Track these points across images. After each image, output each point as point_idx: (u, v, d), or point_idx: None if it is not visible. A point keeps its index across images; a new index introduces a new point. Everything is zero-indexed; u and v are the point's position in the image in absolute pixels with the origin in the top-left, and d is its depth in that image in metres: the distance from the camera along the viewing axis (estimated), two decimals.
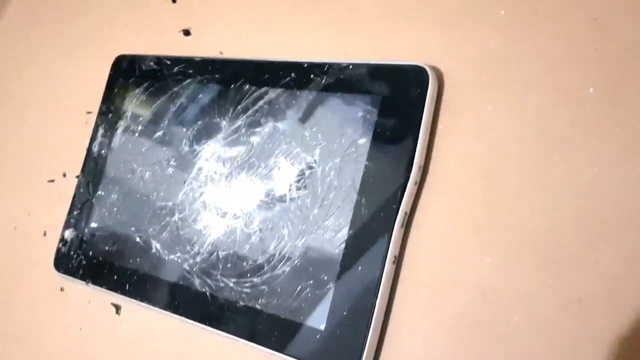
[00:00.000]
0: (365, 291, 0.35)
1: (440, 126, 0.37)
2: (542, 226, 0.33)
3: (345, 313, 0.35)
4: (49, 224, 0.51)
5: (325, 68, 0.40)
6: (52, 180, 0.53)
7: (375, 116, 0.38)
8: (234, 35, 0.48)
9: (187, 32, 0.50)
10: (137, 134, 0.48)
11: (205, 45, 0.49)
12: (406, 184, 0.36)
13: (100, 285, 0.45)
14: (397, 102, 0.37)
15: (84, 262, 0.47)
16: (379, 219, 0.36)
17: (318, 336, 0.36)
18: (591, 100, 0.33)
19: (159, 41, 0.52)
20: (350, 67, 0.39)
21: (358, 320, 0.35)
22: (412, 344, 0.35)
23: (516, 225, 0.34)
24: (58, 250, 0.49)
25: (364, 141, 0.37)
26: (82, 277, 0.47)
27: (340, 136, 0.39)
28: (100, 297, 0.46)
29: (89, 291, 0.47)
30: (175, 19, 0.52)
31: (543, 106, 0.35)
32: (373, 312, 0.34)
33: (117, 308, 0.46)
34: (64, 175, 0.53)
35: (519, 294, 0.33)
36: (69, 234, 0.49)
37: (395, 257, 0.35)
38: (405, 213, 0.36)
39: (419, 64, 0.37)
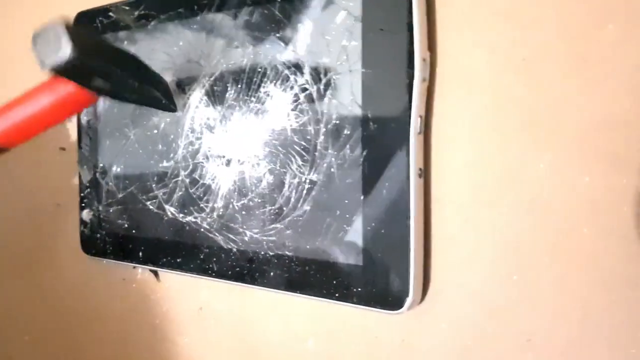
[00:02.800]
0: (397, 213, 0.31)
1: (441, 6, 0.31)
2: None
3: (380, 242, 0.32)
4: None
5: None
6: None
7: (359, 12, 0.32)
8: None
9: None
10: None
11: None
12: (412, 83, 0.30)
13: (131, 261, 0.43)
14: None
15: (109, 241, 0.45)
16: (392, 131, 0.31)
17: (359, 273, 0.33)
18: None
19: None
20: None
21: (396, 247, 0.31)
22: (460, 265, 0.31)
23: (560, 115, 0.28)
24: (82, 234, 0.47)
25: (354, 45, 0.32)
26: (113, 257, 0.45)
27: (327, 46, 0.33)
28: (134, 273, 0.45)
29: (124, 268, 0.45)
30: None
31: None
32: (409, 234, 0.31)
33: (156, 274, 0.44)
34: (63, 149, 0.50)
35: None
36: (86, 214, 0.46)
37: (420, 169, 0.31)
38: (420, 117, 0.31)
39: None
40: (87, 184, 0.46)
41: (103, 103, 0.45)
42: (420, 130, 0.31)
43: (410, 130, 0.31)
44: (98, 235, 0.46)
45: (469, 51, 0.31)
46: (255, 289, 0.37)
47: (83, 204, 0.47)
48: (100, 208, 0.45)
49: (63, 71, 0.30)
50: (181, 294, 0.43)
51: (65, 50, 0.29)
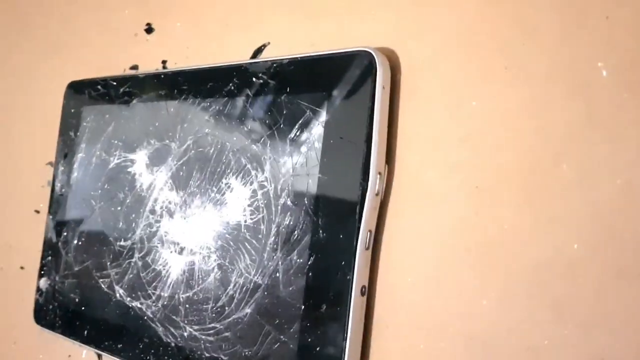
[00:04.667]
0: (334, 330, 0.29)
1: (403, 122, 0.30)
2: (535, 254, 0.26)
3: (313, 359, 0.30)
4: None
5: (267, 67, 0.34)
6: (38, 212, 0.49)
7: (323, 118, 0.31)
8: (179, 47, 0.42)
9: (149, 30, 0.45)
10: (92, 166, 0.43)
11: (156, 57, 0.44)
12: (364, 197, 0.29)
13: (75, 339, 0.42)
14: (345, 98, 0.31)
15: (59, 314, 0.43)
16: (340, 242, 0.30)
17: None
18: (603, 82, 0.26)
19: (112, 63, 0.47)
20: (291, 62, 0.33)
21: None
22: None
23: (509, 249, 0.27)
24: (36, 302, 0.45)
25: (315, 149, 0.31)
26: (61, 331, 0.43)
27: (289, 146, 0.32)
28: (79, 351, 0.43)
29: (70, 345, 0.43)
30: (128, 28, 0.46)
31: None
32: (344, 357, 0.28)
33: (99, 358, 0.42)
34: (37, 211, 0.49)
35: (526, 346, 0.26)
36: (43, 283, 0.45)
37: (364, 287, 0.29)
38: (370, 232, 0.29)
39: (364, 48, 0.30)
40: (50, 252, 0.45)
41: (77, 172, 0.44)
42: (368, 246, 0.29)
43: (358, 245, 0.29)
44: (50, 306, 0.44)
45: (426, 170, 0.29)
46: None
47: (42, 272, 0.45)
48: (57, 278, 0.44)
49: None
50: None
51: None
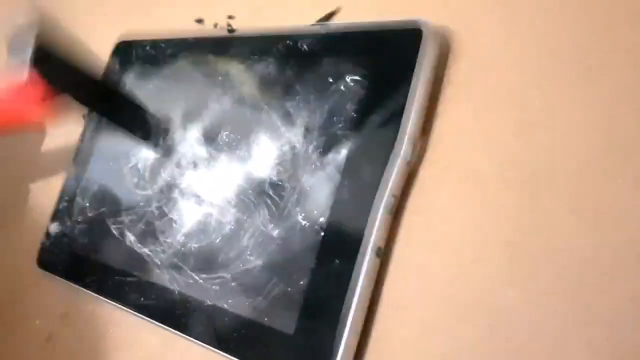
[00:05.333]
0: (339, 289, 0.29)
1: (446, 97, 0.31)
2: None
3: (316, 315, 0.29)
4: None
5: (309, 34, 0.35)
6: None
7: (362, 86, 0.32)
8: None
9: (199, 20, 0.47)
10: None
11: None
12: (392, 161, 0.30)
13: (76, 282, 0.41)
14: (387, 68, 0.32)
15: (64, 259, 0.43)
16: (361, 203, 0.30)
17: (286, 342, 0.30)
18: None
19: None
20: (337, 31, 0.34)
21: (329, 325, 0.29)
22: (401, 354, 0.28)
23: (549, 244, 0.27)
24: (42, 246, 0.45)
25: (350, 115, 0.32)
26: (65, 276, 0.43)
27: (326, 111, 0.33)
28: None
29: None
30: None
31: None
32: (348, 315, 0.28)
33: None
34: None
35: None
36: (54, 228, 0.45)
37: (379, 248, 0.29)
38: (394, 197, 0.30)
39: (414, 19, 0.31)
40: (66, 198, 0.45)
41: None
42: (391, 211, 0.30)
43: (380, 208, 0.29)
44: (57, 251, 0.44)
45: (470, 153, 0.30)
46: (181, 339, 0.34)
47: (55, 217, 0.46)
48: (69, 223, 0.44)
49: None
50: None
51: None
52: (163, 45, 0.45)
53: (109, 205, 0.42)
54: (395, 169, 0.30)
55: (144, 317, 0.37)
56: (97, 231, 0.42)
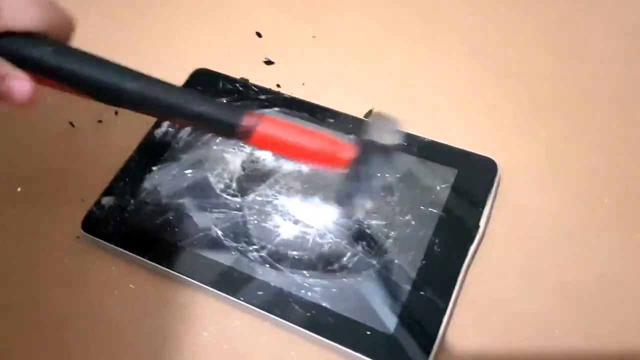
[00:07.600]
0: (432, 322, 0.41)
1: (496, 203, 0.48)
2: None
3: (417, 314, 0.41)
4: None
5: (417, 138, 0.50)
6: None
7: (451, 185, 0.47)
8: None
9: (269, 62, 0.58)
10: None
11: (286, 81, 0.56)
12: (471, 243, 0.45)
13: (142, 255, 0.46)
14: (470, 181, 0.48)
15: (124, 230, 0.47)
16: (449, 261, 0.44)
17: (384, 340, 0.41)
18: None
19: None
20: (440, 145, 0.50)
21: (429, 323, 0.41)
22: None
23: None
24: (90, 212, 0.48)
25: (440, 199, 0.46)
26: (122, 246, 0.46)
27: (420, 190, 0.47)
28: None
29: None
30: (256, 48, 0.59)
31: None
32: (445, 313, 0.41)
33: None
34: None
35: None
36: (107, 200, 0.48)
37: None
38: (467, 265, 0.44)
39: (490, 156, 0.48)
40: (127, 175, 0.50)
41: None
42: (480, 239, 0.44)
43: (474, 241, 0.44)
44: (112, 222, 0.47)
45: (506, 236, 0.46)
46: (273, 321, 0.42)
47: (110, 190, 0.49)
48: (132, 201, 0.48)
49: None
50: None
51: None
52: (255, 89, 0.54)
53: (191, 196, 0.48)
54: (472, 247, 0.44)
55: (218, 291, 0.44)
56: (175, 216, 0.47)
